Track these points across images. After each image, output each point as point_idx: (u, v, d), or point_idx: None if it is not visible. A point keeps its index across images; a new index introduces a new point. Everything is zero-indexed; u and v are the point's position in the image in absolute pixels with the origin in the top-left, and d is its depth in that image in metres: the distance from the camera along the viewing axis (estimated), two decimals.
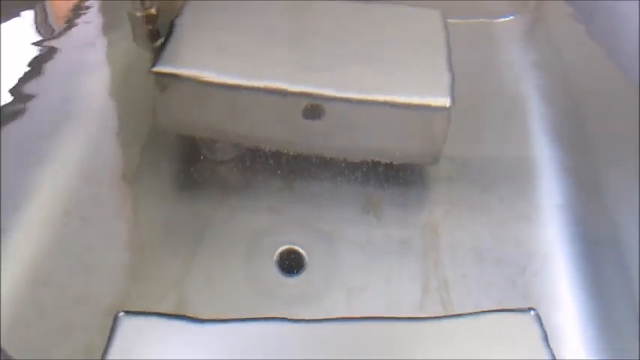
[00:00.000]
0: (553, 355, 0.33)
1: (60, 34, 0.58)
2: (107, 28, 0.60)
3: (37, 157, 0.47)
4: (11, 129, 0.49)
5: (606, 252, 0.44)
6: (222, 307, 0.39)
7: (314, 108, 0.43)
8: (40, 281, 0.40)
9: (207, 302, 0.40)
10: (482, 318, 0.35)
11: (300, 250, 0.43)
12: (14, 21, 0.59)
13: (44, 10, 0.61)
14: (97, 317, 0.36)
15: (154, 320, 0.34)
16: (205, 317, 0.34)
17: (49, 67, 0.55)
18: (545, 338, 0.34)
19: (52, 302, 0.39)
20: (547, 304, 0.40)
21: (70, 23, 0.60)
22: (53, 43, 0.57)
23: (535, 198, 0.47)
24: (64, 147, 0.48)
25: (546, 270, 0.42)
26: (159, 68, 0.44)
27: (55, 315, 0.38)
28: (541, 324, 0.34)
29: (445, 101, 0.43)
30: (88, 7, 0.62)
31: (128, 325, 0.33)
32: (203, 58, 0.45)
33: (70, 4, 0.62)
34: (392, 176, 0.47)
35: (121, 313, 0.34)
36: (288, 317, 0.35)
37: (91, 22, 0.60)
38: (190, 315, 0.35)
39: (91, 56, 0.57)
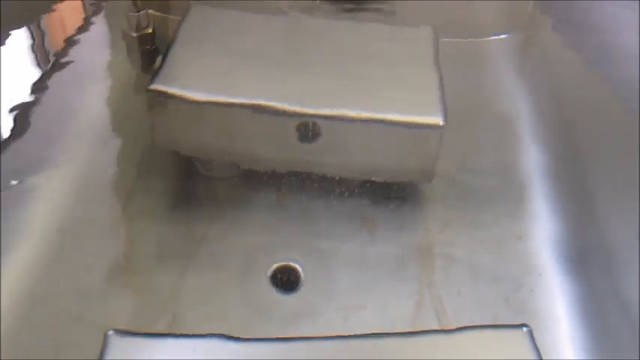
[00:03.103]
0: None
1: (57, 51, 0.59)
2: (105, 47, 0.60)
3: (33, 175, 0.47)
4: (8, 147, 0.49)
5: (599, 268, 0.44)
6: (216, 326, 0.39)
7: (308, 127, 0.44)
8: (35, 300, 0.40)
9: (202, 320, 0.40)
10: (476, 333, 0.35)
11: (295, 266, 0.43)
12: (13, 37, 0.59)
13: (41, 27, 0.62)
14: (90, 335, 0.36)
15: (142, 339, 0.34)
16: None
17: (45, 85, 0.55)
18: (538, 354, 0.34)
19: (46, 320, 0.39)
20: (541, 321, 0.40)
21: (68, 41, 0.60)
22: (50, 60, 0.58)
23: (528, 215, 0.47)
24: (59, 164, 0.48)
25: (540, 286, 0.42)
26: (155, 87, 0.44)
27: (49, 333, 0.38)
28: (533, 340, 0.34)
29: (438, 119, 0.43)
30: (86, 26, 0.62)
31: (118, 344, 0.33)
32: (198, 78, 0.45)
33: (69, 22, 0.63)
34: (386, 194, 0.47)
35: (111, 332, 0.34)
36: (285, 336, 0.35)
37: (88, 40, 0.61)
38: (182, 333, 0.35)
39: (88, 74, 0.58)
